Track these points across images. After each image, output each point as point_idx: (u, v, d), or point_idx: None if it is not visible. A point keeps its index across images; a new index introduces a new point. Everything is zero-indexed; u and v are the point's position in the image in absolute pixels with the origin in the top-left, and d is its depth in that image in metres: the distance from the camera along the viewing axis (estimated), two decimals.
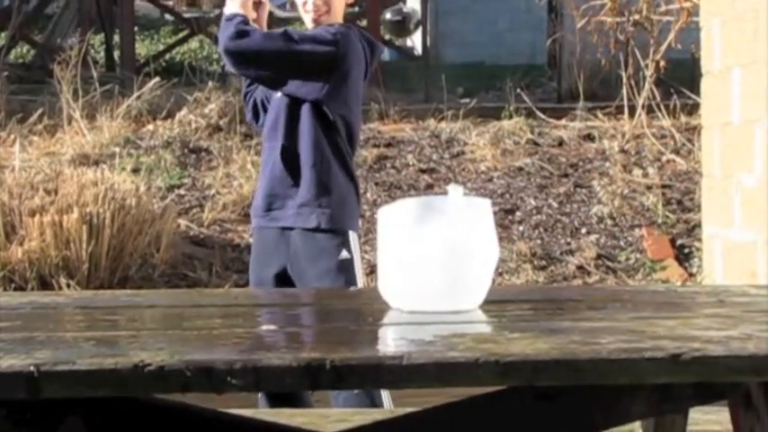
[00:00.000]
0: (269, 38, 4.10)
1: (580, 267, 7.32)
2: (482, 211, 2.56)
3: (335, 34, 4.06)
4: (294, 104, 4.08)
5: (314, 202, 4.04)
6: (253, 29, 4.09)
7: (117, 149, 8.74)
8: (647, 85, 9.12)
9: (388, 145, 9.15)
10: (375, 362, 1.98)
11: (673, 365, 1.96)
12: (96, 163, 8.33)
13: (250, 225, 7.77)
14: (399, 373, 1.95)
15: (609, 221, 7.90)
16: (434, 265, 2.47)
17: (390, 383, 2.12)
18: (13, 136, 8.86)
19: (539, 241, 7.64)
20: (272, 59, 4.05)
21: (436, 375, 1.97)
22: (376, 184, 8.47)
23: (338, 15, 4.18)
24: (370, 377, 2.00)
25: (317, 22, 4.14)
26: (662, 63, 8.98)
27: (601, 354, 1.99)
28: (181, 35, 14.57)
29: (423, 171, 8.75)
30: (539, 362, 1.96)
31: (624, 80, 9.26)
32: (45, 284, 6.36)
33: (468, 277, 2.51)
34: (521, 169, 8.66)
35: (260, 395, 3.96)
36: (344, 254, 4.03)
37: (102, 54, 13.63)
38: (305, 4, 4.15)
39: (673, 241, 7.60)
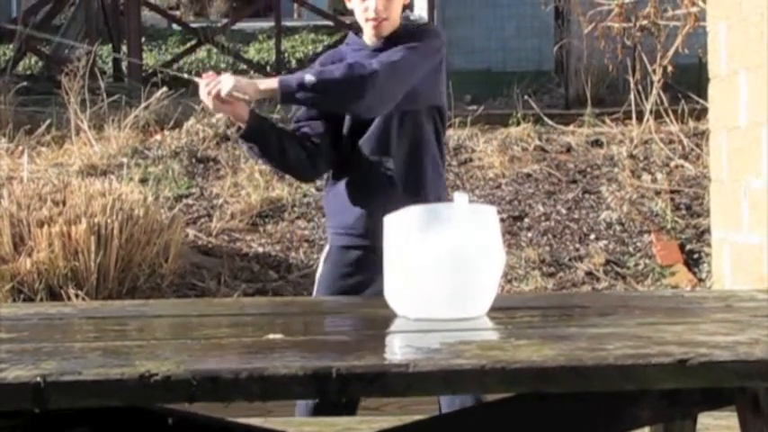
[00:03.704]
0: (390, 63, 3.81)
1: (589, 273, 7.30)
2: (488, 217, 2.56)
3: (435, 32, 3.99)
4: (403, 114, 3.91)
5: None
6: (370, 70, 3.77)
7: (125, 160, 8.74)
8: (654, 91, 9.11)
9: None
10: (381, 370, 1.98)
11: (679, 371, 1.96)
12: (104, 173, 8.34)
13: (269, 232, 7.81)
14: (405, 381, 1.95)
15: (617, 227, 7.89)
16: (440, 272, 2.47)
17: (397, 391, 2.11)
18: (21, 147, 8.87)
19: (547, 248, 7.63)
20: (407, 80, 3.85)
21: (442, 383, 1.97)
22: None
23: (397, 20, 3.96)
24: (377, 385, 1.99)
25: (377, 29, 3.92)
26: (669, 68, 8.96)
27: (607, 360, 1.98)
28: (188, 45, 14.60)
29: None
30: (545, 369, 1.96)
31: (632, 85, 9.25)
32: (54, 295, 6.35)
33: (474, 284, 2.50)
34: (529, 176, 8.65)
35: (301, 404, 3.83)
36: None
37: (110, 65, 13.66)
38: (366, 10, 3.91)
39: (682, 246, 7.59)
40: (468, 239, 2.49)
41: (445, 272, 2.46)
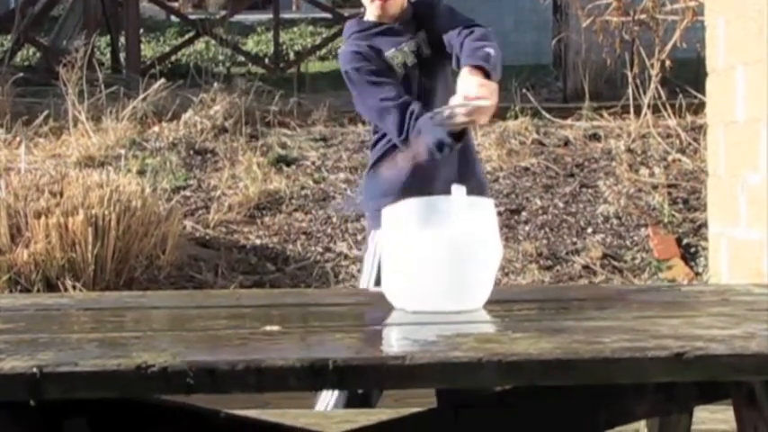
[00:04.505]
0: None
1: (586, 267, 7.31)
2: (485, 210, 2.56)
3: None
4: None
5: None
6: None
7: (122, 151, 8.74)
8: (652, 85, 9.10)
9: None
10: (378, 362, 1.98)
11: (676, 364, 1.96)
12: (102, 165, 8.33)
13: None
14: (402, 374, 1.95)
15: (615, 221, 7.89)
16: (438, 265, 2.47)
17: (393, 384, 2.12)
18: (18, 138, 8.87)
19: (544, 241, 7.63)
20: None
21: (439, 375, 1.97)
22: None
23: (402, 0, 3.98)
24: (373, 377, 2.00)
25: (383, 8, 3.90)
26: (667, 62, 8.96)
27: (604, 353, 1.98)
28: (186, 37, 14.59)
29: None
30: (542, 361, 1.96)
31: (630, 80, 9.25)
32: (51, 286, 6.35)
33: (471, 277, 2.50)
34: (526, 169, 8.65)
35: (332, 397, 3.78)
36: None
37: (108, 56, 13.65)
38: None
39: (679, 241, 7.59)
40: (466, 232, 2.49)
41: (443, 264, 2.46)
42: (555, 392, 2.25)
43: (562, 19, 11.58)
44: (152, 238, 6.81)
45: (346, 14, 14.11)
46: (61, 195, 6.65)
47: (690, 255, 7.44)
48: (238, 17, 15.38)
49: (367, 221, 4.09)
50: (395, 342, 2.27)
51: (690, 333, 2.17)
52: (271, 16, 14.89)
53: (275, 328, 2.33)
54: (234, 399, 2.02)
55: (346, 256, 7.38)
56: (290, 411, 3.51)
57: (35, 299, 3.20)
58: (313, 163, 8.73)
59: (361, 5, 4.09)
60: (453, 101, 3.53)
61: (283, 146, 8.99)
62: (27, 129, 9.12)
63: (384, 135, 3.93)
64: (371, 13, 3.96)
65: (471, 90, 3.50)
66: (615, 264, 7.36)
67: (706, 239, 6.63)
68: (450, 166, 3.81)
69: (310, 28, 17.20)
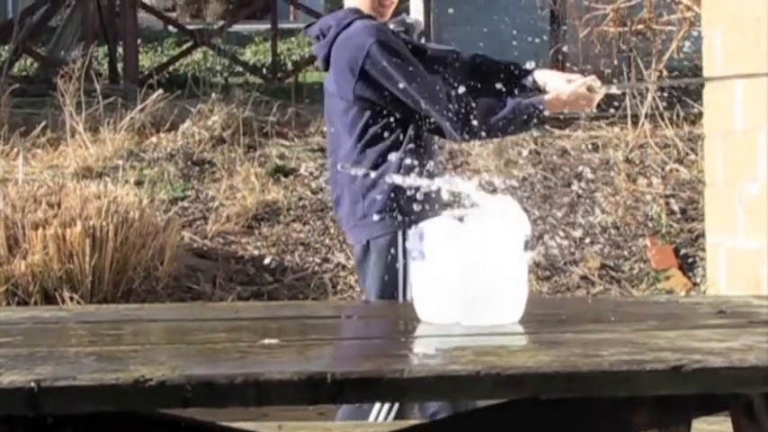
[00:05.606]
0: None
1: (584, 278, 7.30)
2: (509, 222, 2.57)
3: None
4: None
5: None
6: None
7: (120, 162, 8.73)
8: (650, 95, 9.11)
9: None
10: (376, 375, 1.98)
11: (674, 377, 1.96)
12: (99, 176, 8.33)
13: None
14: (400, 387, 1.95)
15: (613, 231, 7.89)
16: (464, 278, 2.46)
17: (392, 397, 2.12)
18: (16, 149, 8.86)
19: (542, 251, 7.63)
20: None
21: (437, 388, 1.97)
22: None
23: None
24: (371, 390, 1.99)
25: (390, 11, 4.08)
26: (665, 72, 8.96)
27: (602, 366, 1.98)
28: (184, 47, 14.59)
29: None
30: (540, 374, 1.96)
31: (627, 90, 9.24)
32: (48, 298, 6.35)
33: (500, 290, 2.49)
34: (524, 180, 8.65)
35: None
36: None
37: (106, 66, 13.64)
38: None
39: (677, 251, 7.59)
40: (488, 245, 2.50)
41: (469, 278, 2.46)
42: (553, 405, 2.25)
43: (559, 29, 11.59)
44: (150, 250, 6.80)
45: None
46: (59, 206, 6.65)
47: (688, 265, 7.43)
48: (236, 27, 15.39)
49: (381, 224, 3.81)
50: (393, 355, 2.27)
51: (688, 346, 2.17)
52: (268, 26, 14.89)
53: (274, 341, 2.33)
54: (231, 410, 2.02)
55: (344, 267, 7.38)
56: (288, 424, 3.50)
57: (32, 312, 3.20)
58: (311, 173, 8.73)
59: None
60: (561, 85, 3.99)
61: (281, 156, 8.99)
62: (24, 140, 9.10)
63: (390, 128, 3.88)
64: (374, 10, 3.97)
65: (568, 77, 4.06)
66: (613, 274, 7.35)
67: (704, 249, 6.63)
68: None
69: (308, 38, 17.21)
